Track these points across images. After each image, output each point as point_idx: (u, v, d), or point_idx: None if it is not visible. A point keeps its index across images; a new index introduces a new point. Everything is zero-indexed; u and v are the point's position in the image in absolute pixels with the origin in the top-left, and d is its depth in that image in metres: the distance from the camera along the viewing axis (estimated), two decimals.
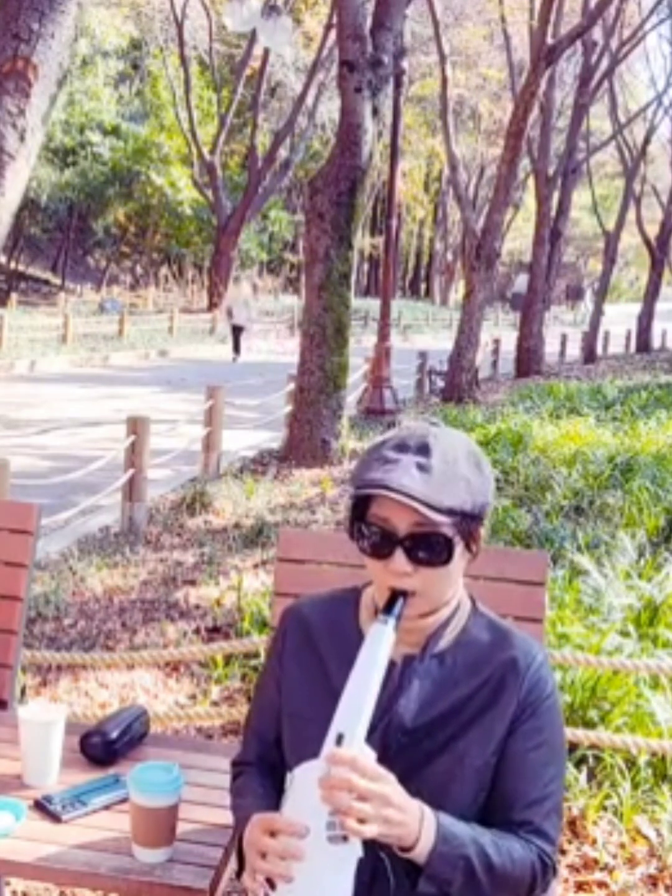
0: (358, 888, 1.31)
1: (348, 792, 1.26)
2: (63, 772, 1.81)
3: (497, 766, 1.46)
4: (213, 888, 1.56)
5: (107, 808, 1.73)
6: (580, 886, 2.75)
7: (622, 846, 2.93)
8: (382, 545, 1.41)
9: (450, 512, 1.38)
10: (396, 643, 1.42)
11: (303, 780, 1.33)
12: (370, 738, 1.32)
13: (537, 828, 1.44)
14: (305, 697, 1.52)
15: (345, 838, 1.27)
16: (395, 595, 1.41)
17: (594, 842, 2.93)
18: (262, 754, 1.60)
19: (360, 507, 1.44)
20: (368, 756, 1.31)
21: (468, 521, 1.42)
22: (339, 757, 1.28)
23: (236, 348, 20.97)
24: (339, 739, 1.30)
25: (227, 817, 1.70)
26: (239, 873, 1.44)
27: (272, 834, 1.32)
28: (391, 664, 1.44)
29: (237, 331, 21.01)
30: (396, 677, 1.48)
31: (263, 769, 1.59)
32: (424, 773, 1.43)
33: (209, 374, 16.56)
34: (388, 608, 1.40)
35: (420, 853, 1.33)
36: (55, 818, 1.68)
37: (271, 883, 1.31)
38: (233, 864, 1.53)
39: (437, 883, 1.35)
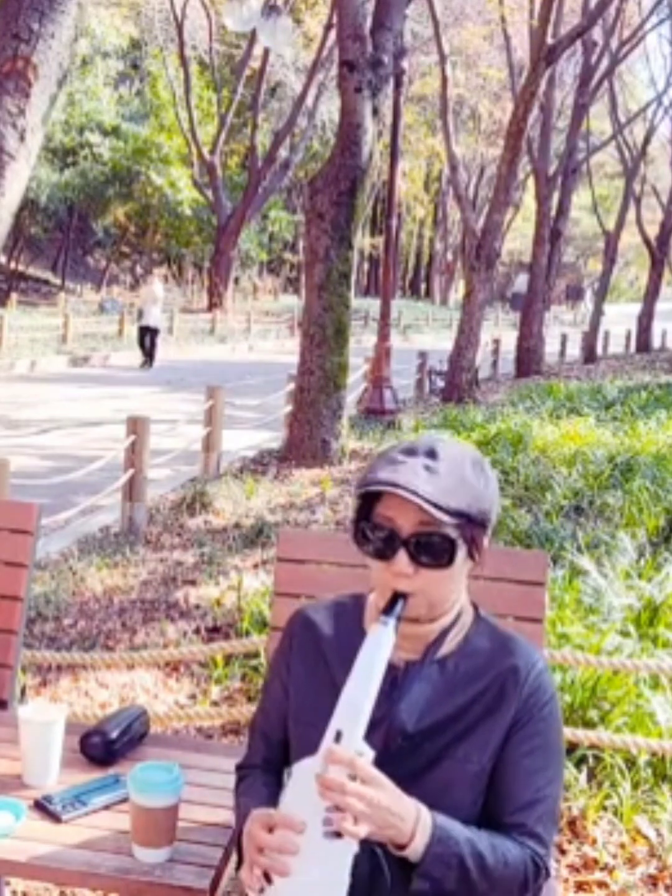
0: (356, 883, 1.32)
1: (342, 793, 1.27)
2: (63, 772, 1.81)
3: (493, 769, 1.47)
4: (213, 888, 1.56)
5: (107, 808, 1.72)
6: (580, 886, 2.75)
7: (622, 846, 2.94)
8: (386, 545, 1.42)
9: (455, 513, 1.39)
10: (398, 649, 1.43)
11: (301, 776, 1.34)
12: (371, 742, 1.33)
13: (530, 830, 1.45)
14: (312, 700, 1.54)
15: (340, 834, 1.29)
16: (396, 597, 1.42)
17: (594, 842, 2.93)
18: (268, 757, 1.62)
19: (366, 508, 1.46)
20: (367, 755, 1.32)
21: (472, 526, 1.43)
22: (336, 755, 1.29)
23: (148, 355, 18.83)
24: (338, 737, 1.31)
25: (227, 817, 1.71)
26: (238, 866, 1.45)
27: (270, 829, 1.33)
28: (393, 669, 1.46)
29: (148, 333, 18.89)
30: (398, 682, 1.49)
31: (268, 771, 1.61)
32: (424, 777, 1.45)
33: (209, 373, 16.56)
34: (389, 609, 1.41)
35: (414, 851, 1.35)
36: (55, 818, 1.68)
37: (268, 877, 1.32)
38: (233, 864, 1.54)
39: (430, 881, 1.36)
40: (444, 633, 1.51)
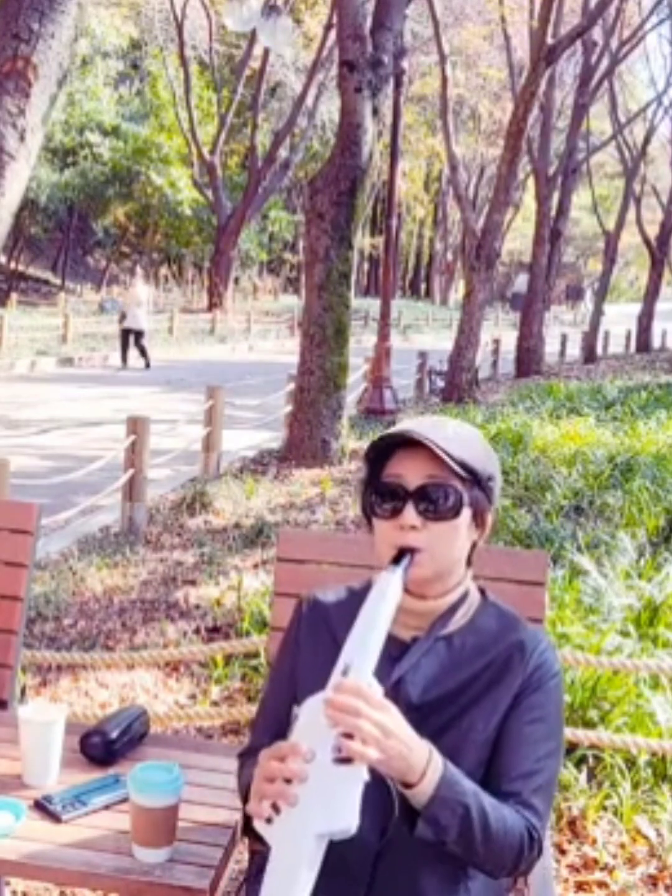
0: (367, 820, 1.29)
1: (354, 715, 1.27)
2: (63, 772, 1.81)
3: (495, 739, 1.49)
4: (213, 888, 1.56)
5: (107, 808, 1.72)
6: (580, 886, 2.75)
7: (622, 846, 2.94)
8: (394, 503, 1.48)
9: (462, 464, 1.47)
10: (405, 626, 1.47)
11: (310, 710, 1.33)
12: None
13: (526, 800, 1.45)
14: (320, 680, 1.52)
15: (349, 760, 1.26)
16: (402, 553, 1.46)
17: (594, 842, 2.93)
18: (276, 736, 1.60)
19: (375, 474, 1.53)
20: (376, 689, 1.31)
21: (477, 488, 1.50)
22: (345, 686, 1.29)
23: (142, 355, 18.18)
24: (346, 671, 1.32)
25: (227, 817, 1.71)
26: (244, 834, 1.42)
27: (280, 760, 1.32)
28: (399, 643, 1.50)
29: (132, 335, 18.27)
30: (405, 655, 1.51)
31: None
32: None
33: (209, 373, 16.56)
34: (396, 562, 1.45)
35: (422, 791, 1.34)
36: (55, 818, 1.68)
37: (276, 808, 1.30)
38: (233, 864, 1.53)
39: (434, 827, 1.36)
40: (451, 610, 1.54)
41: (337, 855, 1.30)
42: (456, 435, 1.51)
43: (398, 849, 1.45)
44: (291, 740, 1.34)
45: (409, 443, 1.48)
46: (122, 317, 18.62)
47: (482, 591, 1.61)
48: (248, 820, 1.41)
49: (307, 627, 1.62)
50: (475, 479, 1.49)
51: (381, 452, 1.53)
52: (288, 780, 1.29)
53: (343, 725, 1.26)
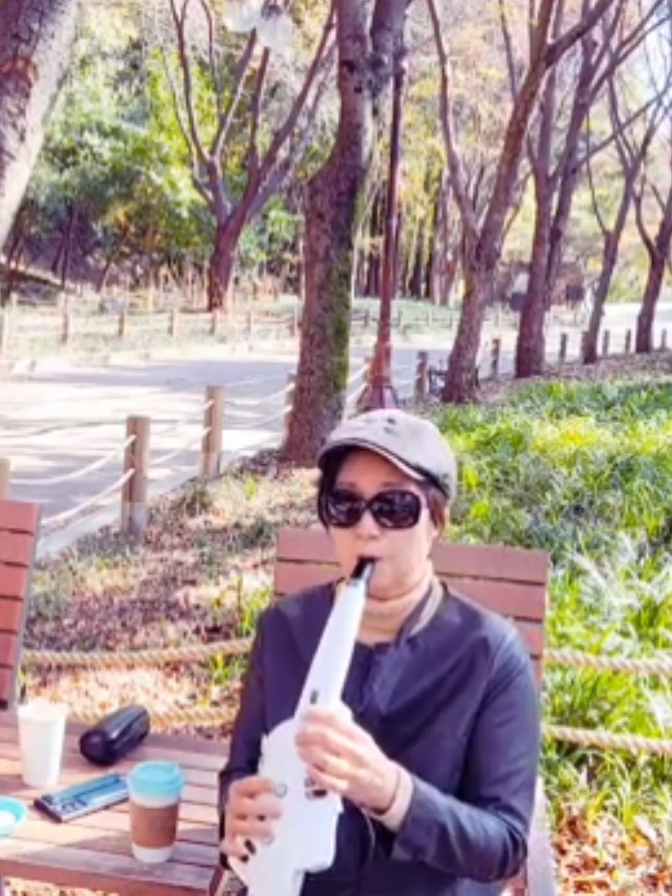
0: (342, 851, 1.28)
1: (323, 748, 1.24)
2: (63, 772, 1.81)
3: (468, 743, 1.46)
4: (213, 888, 1.56)
5: (107, 808, 1.72)
6: (580, 886, 2.75)
7: (622, 846, 2.93)
8: (350, 511, 1.44)
9: (416, 469, 1.42)
10: (370, 631, 1.43)
11: (279, 741, 1.31)
12: None
13: (506, 804, 1.43)
14: (286, 694, 1.50)
15: (322, 793, 1.25)
16: (363, 562, 1.42)
17: (594, 842, 2.93)
18: (251, 759, 1.58)
19: (328, 482, 1.48)
20: (344, 714, 1.29)
21: (433, 487, 1.45)
22: (315, 714, 1.27)
23: None
24: (314, 697, 1.29)
25: None
26: (222, 863, 1.41)
27: (251, 796, 1.30)
28: (366, 651, 1.46)
29: None
30: (370, 664, 1.48)
31: (253, 772, 1.58)
32: (401, 758, 1.41)
33: (209, 373, 16.56)
34: (357, 574, 1.41)
35: (394, 816, 1.32)
36: (55, 818, 1.68)
37: (251, 846, 1.28)
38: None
39: (411, 849, 1.34)
40: (416, 611, 1.51)
41: (319, 883, 1.29)
42: (408, 433, 1.45)
43: (380, 870, 1.42)
44: (262, 773, 1.32)
45: (361, 447, 1.42)
46: None
47: (443, 585, 1.58)
48: (224, 854, 1.39)
49: (271, 642, 1.58)
50: (431, 480, 1.45)
51: (334, 457, 1.47)
52: (261, 817, 1.27)
53: (314, 759, 1.24)
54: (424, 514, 1.45)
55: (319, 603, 1.57)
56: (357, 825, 1.34)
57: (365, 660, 1.46)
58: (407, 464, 1.41)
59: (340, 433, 1.46)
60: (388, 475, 1.42)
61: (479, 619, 1.52)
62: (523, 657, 1.50)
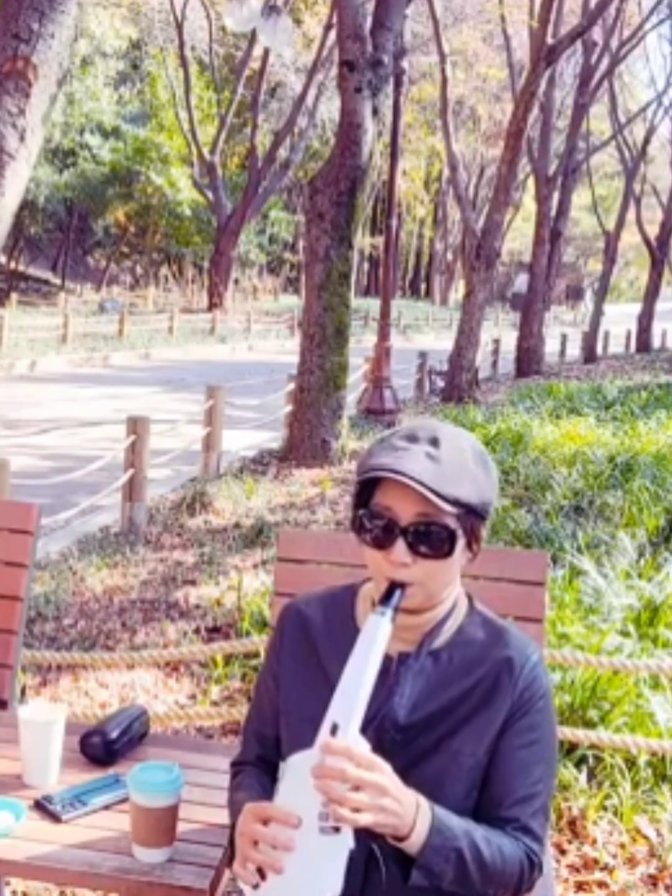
0: (351, 880, 1.30)
1: (342, 781, 1.25)
2: (63, 772, 1.81)
3: (488, 763, 1.45)
4: (213, 888, 1.56)
5: (107, 808, 1.72)
6: (580, 886, 2.75)
7: (622, 846, 2.94)
8: (384, 534, 1.40)
9: (456, 503, 1.37)
10: (393, 640, 1.41)
11: (296, 770, 1.31)
12: (364, 735, 1.31)
13: (524, 825, 1.44)
14: (303, 695, 1.52)
15: (337, 829, 1.26)
16: (393, 586, 1.40)
17: (594, 842, 2.93)
18: (262, 754, 1.60)
19: (365, 495, 1.44)
20: (363, 746, 1.29)
21: (472, 516, 1.42)
22: (333, 747, 1.26)
23: None
24: (334, 729, 1.29)
25: (226, 817, 1.70)
26: (230, 861, 1.42)
27: (264, 822, 1.31)
28: (387, 660, 1.44)
29: None
30: (392, 674, 1.47)
31: (263, 768, 1.58)
32: (418, 770, 1.43)
33: (209, 374, 16.56)
34: (386, 599, 1.39)
35: (414, 844, 1.32)
36: (55, 818, 1.68)
37: (262, 873, 1.30)
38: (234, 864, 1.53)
39: (428, 875, 1.34)
40: (440, 624, 1.49)
41: None
42: (451, 461, 1.39)
43: (384, 888, 1.43)
44: (278, 797, 1.33)
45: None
46: None
47: (469, 597, 1.56)
48: (233, 848, 1.40)
49: (289, 641, 1.58)
50: (469, 510, 1.41)
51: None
52: (273, 846, 1.28)
53: (332, 795, 1.24)
54: (460, 544, 1.42)
55: (342, 605, 1.57)
56: (362, 846, 1.34)
57: (385, 668, 1.44)
58: (446, 500, 1.36)
59: (381, 455, 1.40)
60: (425, 505, 1.37)
61: (504, 636, 1.51)
62: (546, 681, 1.50)
